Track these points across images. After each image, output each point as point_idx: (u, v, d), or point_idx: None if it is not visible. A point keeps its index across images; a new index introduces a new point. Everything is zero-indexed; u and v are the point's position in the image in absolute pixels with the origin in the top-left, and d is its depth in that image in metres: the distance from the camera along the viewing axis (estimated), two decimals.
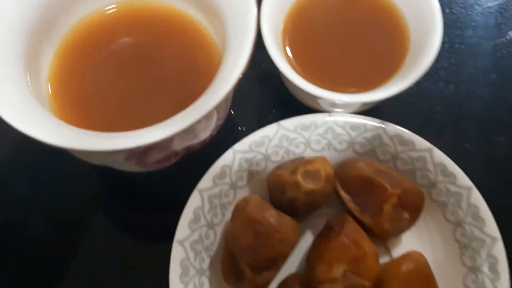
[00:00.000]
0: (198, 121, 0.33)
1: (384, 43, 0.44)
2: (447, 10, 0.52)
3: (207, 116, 0.36)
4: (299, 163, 0.40)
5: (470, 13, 0.52)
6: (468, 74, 0.50)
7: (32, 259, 0.45)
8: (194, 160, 0.41)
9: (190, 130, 0.36)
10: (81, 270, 0.44)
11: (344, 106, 0.43)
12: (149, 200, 0.46)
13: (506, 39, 0.51)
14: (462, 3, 0.52)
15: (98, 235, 0.45)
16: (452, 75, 0.50)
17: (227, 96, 0.35)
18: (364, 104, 0.41)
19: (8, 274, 0.44)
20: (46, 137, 0.30)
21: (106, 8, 0.42)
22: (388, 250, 0.42)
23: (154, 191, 0.46)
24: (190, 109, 0.33)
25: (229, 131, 0.44)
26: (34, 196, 0.47)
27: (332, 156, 0.43)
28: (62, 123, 0.35)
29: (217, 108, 0.37)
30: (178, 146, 0.37)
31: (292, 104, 0.45)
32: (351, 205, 0.41)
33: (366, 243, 0.37)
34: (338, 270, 0.36)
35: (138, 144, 0.31)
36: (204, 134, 0.38)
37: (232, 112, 0.48)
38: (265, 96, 0.49)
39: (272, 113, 0.47)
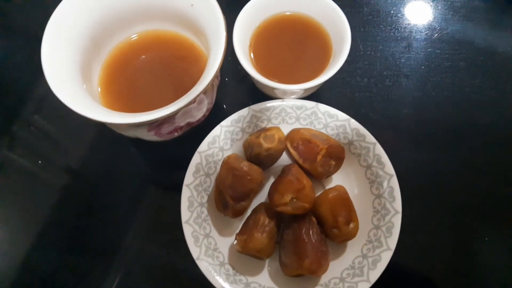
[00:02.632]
0: (191, 103, 0.35)
1: (316, 51, 0.44)
2: (361, 29, 0.52)
3: (198, 101, 0.38)
4: (261, 131, 0.42)
5: (377, 30, 0.52)
6: (376, 71, 0.50)
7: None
8: (194, 133, 0.42)
9: (187, 110, 0.38)
10: (117, 206, 0.45)
11: (292, 93, 0.44)
12: (167, 159, 0.47)
13: (401, 47, 0.52)
14: (372, 24, 0.53)
15: (133, 184, 0.46)
16: (365, 72, 0.50)
17: (209, 86, 0.36)
18: (305, 90, 0.42)
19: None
20: (94, 116, 0.33)
21: (131, 37, 0.44)
22: (323, 186, 0.44)
23: (170, 154, 0.46)
24: (185, 96, 0.35)
25: (218, 113, 0.44)
26: (95, 163, 0.47)
27: (285, 127, 0.44)
28: (105, 109, 0.37)
29: (205, 94, 0.39)
30: (181, 122, 0.39)
31: (260, 95, 0.46)
32: (297, 157, 0.42)
33: (305, 180, 0.39)
34: (287, 197, 0.38)
35: (151, 118, 0.33)
36: (199, 114, 0.40)
37: (223, 104, 0.49)
38: (242, 91, 0.50)
39: (247, 101, 0.47)
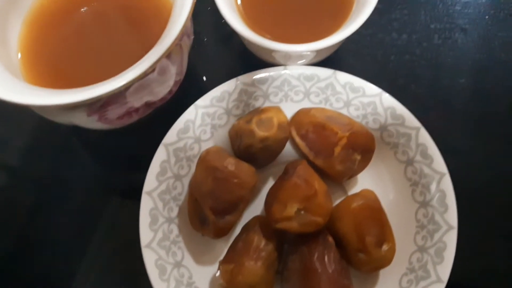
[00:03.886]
0: (149, 73, 0.34)
1: None
2: None
3: (159, 69, 0.36)
4: (254, 113, 0.41)
5: None
6: (420, 23, 0.49)
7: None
8: (159, 118, 0.41)
9: (143, 84, 0.36)
10: (54, 222, 0.45)
11: (298, 57, 0.42)
12: (120, 156, 0.47)
13: None
14: None
15: (71, 190, 0.46)
16: (405, 25, 0.49)
17: (175, 48, 0.35)
18: (318, 52, 0.41)
19: None
20: (5, 95, 0.31)
21: None
22: (344, 191, 0.43)
23: (124, 148, 0.46)
24: (138, 63, 0.33)
25: (192, 88, 0.44)
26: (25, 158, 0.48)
27: (290, 107, 0.43)
28: (26, 84, 0.37)
29: (170, 60, 0.37)
30: (136, 101, 0.37)
31: (253, 61, 0.45)
32: (306, 150, 0.41)
33: (317, 183, 0.37)
34: (291, 209, 0.37)
35: (89, 97, 0.31)
36: (162, 90, 0.39)
37: (200, 75, 0.48)
38: (228, 55, 0.49)
39: (234, 70, 0.46)
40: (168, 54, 0.34)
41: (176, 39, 0.33)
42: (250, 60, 0.45)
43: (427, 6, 0.50)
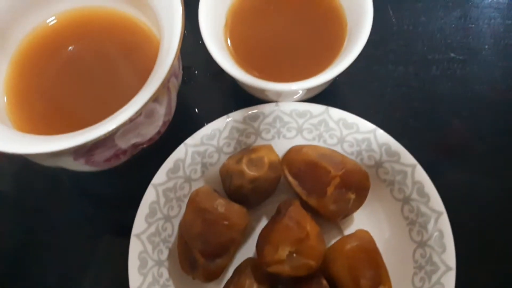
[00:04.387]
0: (135, 118, 0.35)
1: (324, 29, 0.45)
2: None
3: (146, 113, 0.38)
4: (245, 152, 0.42)
5: None
6: (417, 54, 0.50)
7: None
8: (148, 157, 0.42)
9: (131, 128, 0.38)
10: (43, 264, 0.46)
11: (290, 95, 0.44)
12: (107, 198, 0.48)
13: (454, 18, 0.52)
14: None
15: (59, 232, 0.47)
16: (401, 56, 0.51)
17: (162, 91, 0.36)
18: (309, 90, 0.42)
19: None
20: None
21: (48, 21, 0.44)
22: (340, 230, 0.44)
23: (111, 189, 0.47)
24: (124, 109, 0.34)
25: (182, 125, 0.44)
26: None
27: (282, 144, 0.44)
28: (11, 131, 0.38)
29: (158, 102, 0.39)
30: (123, 144, 0.38)
31: (245, 96, 0.46)
32: (299, 189, 0.42)
33: (309, 224, 0.38)
34: (283, 252, 0.38)
35: (74, 144, 0.33)
36: (150, 131, 0.39)
37: (191, 111, 0.50)
38: (219, 90, 0.50)
39: (227, 106, 0.48)
40: (155, 98, 0.35)
41: (162, 83, 0.34)
42: (242, 94, 0.46)
43: (424, 37, 0.51)
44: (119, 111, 0.34)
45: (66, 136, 0.34)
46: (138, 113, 0.34)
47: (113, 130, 0.33)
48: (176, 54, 0.36)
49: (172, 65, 0.35)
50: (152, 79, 0.35)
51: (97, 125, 0.34)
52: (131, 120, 0.34)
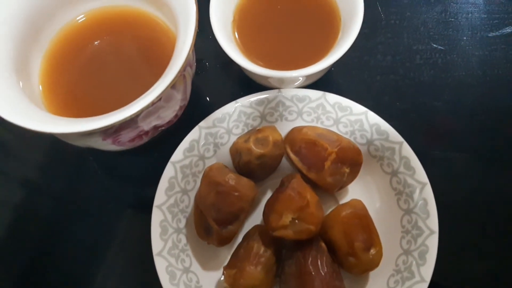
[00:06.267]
0: (156, 102, 0.35)
1: (320, 23, 0.44)
2: None
3: (165, 98, 0.38)
4: (252, 132, 0.42)
5: None
6: (403, 45, 0.50)
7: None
8: (166, 138, 0.43)
9: (152, 111, 0.38)
10: (76, 234, 0.46)
11: (291, 81, 0.44)
12: (131, 175, 0.47)
13: (435, 12, 0.51)
14: None
15: (87, 205, 0.47)
16: (389, 48, 0.50)
17: (179, 79, 0.36)
18: (308, 76, 0.42)
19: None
20: (25, 123, 0.33)
21: (77, 19, 0.44)
22: (336, 201, 0.44)
23: (134, 167, 0.47)
24: (146, 94, 0.34)
25: (196, 110, 0.44)
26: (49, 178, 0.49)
27: (285, 126, 0.44)
28: (47, 114, 0.38)
29: (175, 89, 0.38)
30: (146, 125, 0.39)
31: (251, 84, 0.46)
32: (299, 164, 0.42)
33: (309, 194, 0.38)
34: (287, 218, 0.38)
35: (103, 125, 0.33)
36: (169, 114, 0.39)
37: (203, 98, 0.49)
38: (228, 79, 0.50)
39: (235, 92, 0.47)
40: (173, 84, 0.35)
41: (179, 71, 0.34)
42: (248, 83, 0.46)
43: (409, 30, 0.50)
44: (142, 96, 0.35)
45: (97, 118, 0.34)
46: (159, 98, 0.34)
47: (137, 112, 0.34)
48: (191, 46, 0.36)
49: (188, 56, 0.35)
50: (170, 68, 0.35)
51: (123, 108, 0.34)
52: (153, 103, 0.34)
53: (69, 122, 0.35)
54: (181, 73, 0.36)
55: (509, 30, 0.50)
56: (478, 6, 0.51)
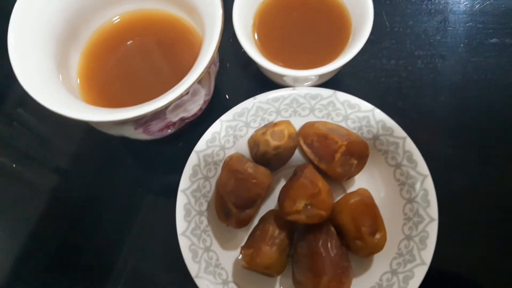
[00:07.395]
0: (184, 96, 0.35)
1: (332, 28, 0.44)
2: (387, 1, 0.52)
3: (192, 92, 0.38)
4: (269, 126, 0.42)
5: (406, 2, 0.52)
6: (406, 51, 0.50)
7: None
8: (191, 129, 0.43)
9: (179, 104, 0.38)
10: (108, 217, 0.46)
11: (304, 80, 0.44)
12: (160, 160, 0.48)
13: (435, 22, 0.51)
14: None
15: (117, 189, 0.47)
16: (393, 53, 0.50)
17: (205, 75, 0.36)
18: (320, 76, 0.42)
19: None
20: (66, 112, 0.34)
21: (113, 20, 0.44)
22: (344, 189, 0.44)
23: (162, 155, 0.47)
24: (175, 88, 0.35)
25: (217, 106, 0.44)
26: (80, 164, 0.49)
27: (298, 121, 0.44)
28: (85, 104, 0.38)
29: (201, 84, 0.39)
30: (173, 117, 0.39)
31: (267, 83, 0.46)
32: (311, 156, 0.42)
33: (321, 183, 0.38)
34: (300, 204, 0.38)
35: (136, 115, 0.33)
36: (194, 107, 0.40)
37: (224, 95, 0.50)
38: (246, 78, 0.50)
39: (252, 90, 0.47)
40: (199, 80, 0.35)
41: (206, 67, 0.35)
42: (265, 82, 0.46)
43: (412, 37, 0.50)
44: (170, 90, 0.35)
45: (130, 108, 0.35)
46: (186, 91, 0.35)
47: (167, 104, 0.34)
48: (216, 46, 0.36)
49: (213, 55, 0.36)
50: (197, 66, 0.36)
51: (154, 100, 0.35)
52: (181, 96, 0.34)
53: (106, 111, 0.35)
54: (207, 70, 0.36)
55: (502, 39, 0.50)
56: (474, 16, 0.51)
